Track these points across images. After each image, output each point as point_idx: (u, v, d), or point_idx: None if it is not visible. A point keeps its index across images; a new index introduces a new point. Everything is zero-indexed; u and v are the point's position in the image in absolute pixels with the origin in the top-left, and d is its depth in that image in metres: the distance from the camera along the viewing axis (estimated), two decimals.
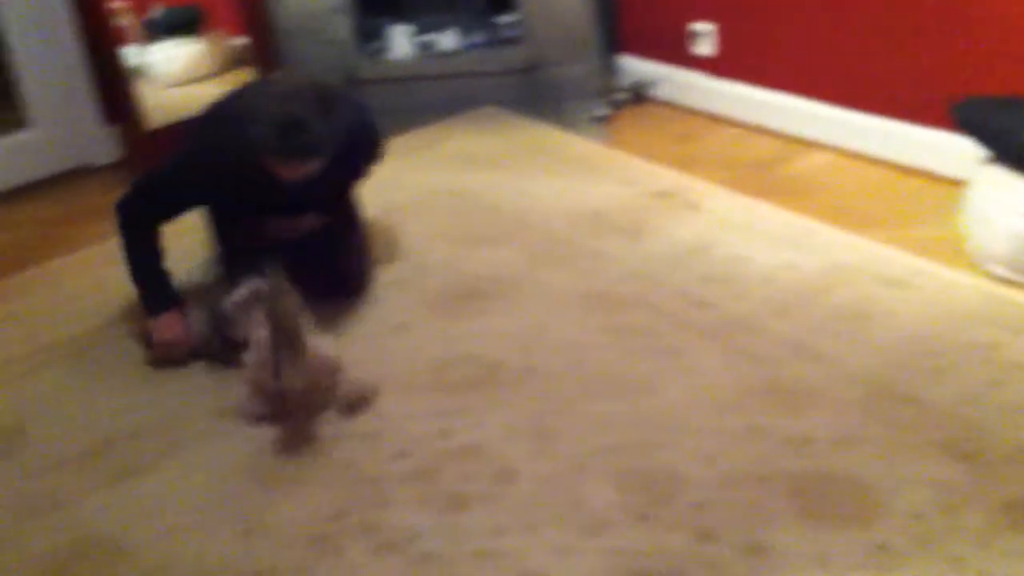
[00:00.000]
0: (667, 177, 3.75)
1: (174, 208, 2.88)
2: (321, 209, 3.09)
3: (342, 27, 4.57)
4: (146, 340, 2.85)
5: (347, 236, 3.14)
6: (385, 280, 3.17)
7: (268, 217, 3.03)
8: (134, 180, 2.94)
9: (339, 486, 2.31)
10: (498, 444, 2.41)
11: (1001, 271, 2.91)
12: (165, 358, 2.82)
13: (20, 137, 4.15)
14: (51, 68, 4.11)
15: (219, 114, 2.93)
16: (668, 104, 4.57)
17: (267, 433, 2.52)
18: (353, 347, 2.84)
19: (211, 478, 2.38)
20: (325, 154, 2.68)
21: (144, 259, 2.86)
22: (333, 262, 3.07)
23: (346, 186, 3.17)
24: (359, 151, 3.04)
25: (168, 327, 2.82)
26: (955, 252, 3.06)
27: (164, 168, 2.88)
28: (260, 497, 2.30)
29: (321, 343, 2.58)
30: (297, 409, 2.55)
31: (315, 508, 2.25)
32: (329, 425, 2.53)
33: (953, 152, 3.43)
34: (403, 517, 2.19)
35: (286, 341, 2.43)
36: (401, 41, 4.70)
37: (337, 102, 2.73)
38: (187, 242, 3.21)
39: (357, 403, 2.58)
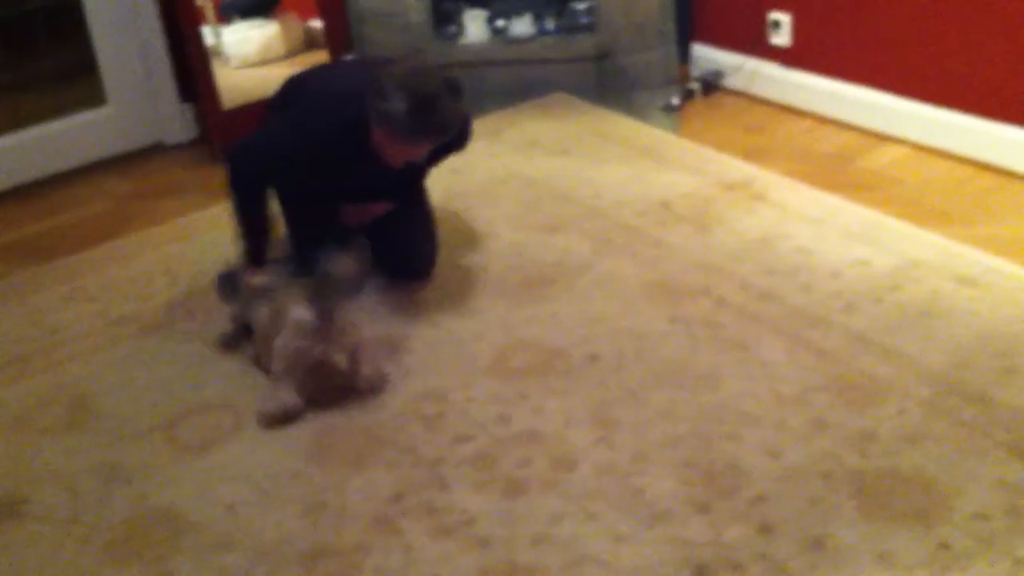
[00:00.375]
0: (737, 168, 3.72)
1: (285, 174, 2.87)
2: (398, 193, 3.11)
3: (417, 11, 4.58)
4: (228, 283, 2.83)
5: (415, 221, 3.15)
6: (451, 265, 3.18)
7: (341, 204, 3.06)
8: (247, 139, 2.90)
9: (399, 468, 2.33)
10: (558, 431, 2.41)
11: None
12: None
13: (97, 113, 4.22)
14: (130, 46, 4.17)
15: (330, 89, 2.90)
16: (740, 94, 4.52)
17: (330, 414, 2.54)
18: (418, 330, 2.86)
19: (274, 455, 2.42)
20: (448, 136, 2.71)
21: (255, 217, 2.84)
22: (401, 246, 3.09)
23: (427, 170, 3.19)
24: (454, 141, 2.98)
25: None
26: None
27: (281, 132, 2.86)
28: (322, 476, 2.33)
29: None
30: (327, 387, 2.58)
31: (375, 489, 2.27)
32: (390, 408, 2.54)
33: None
34: (461, 501, 2.21)
35: (329, 315, 2.48)
36: (475, 26, 4.70)
37: (462, 90, 2.72)
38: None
39: (381, 383, 2.62)
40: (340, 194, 3.05)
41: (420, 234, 3.16)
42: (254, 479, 2.34)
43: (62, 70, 4.13)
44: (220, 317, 2.92)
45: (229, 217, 2.84)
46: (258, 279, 2.71)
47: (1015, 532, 2.00)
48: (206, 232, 3.51)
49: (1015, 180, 3.46)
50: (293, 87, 3.02)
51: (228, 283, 2.80)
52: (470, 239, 3.34)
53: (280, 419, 2.52)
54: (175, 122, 4.34)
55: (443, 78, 2.65)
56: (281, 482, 2.33)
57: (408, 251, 3.11)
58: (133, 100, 4.26)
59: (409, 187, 3.17)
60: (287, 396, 2.52)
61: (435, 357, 2.73)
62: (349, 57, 4.51)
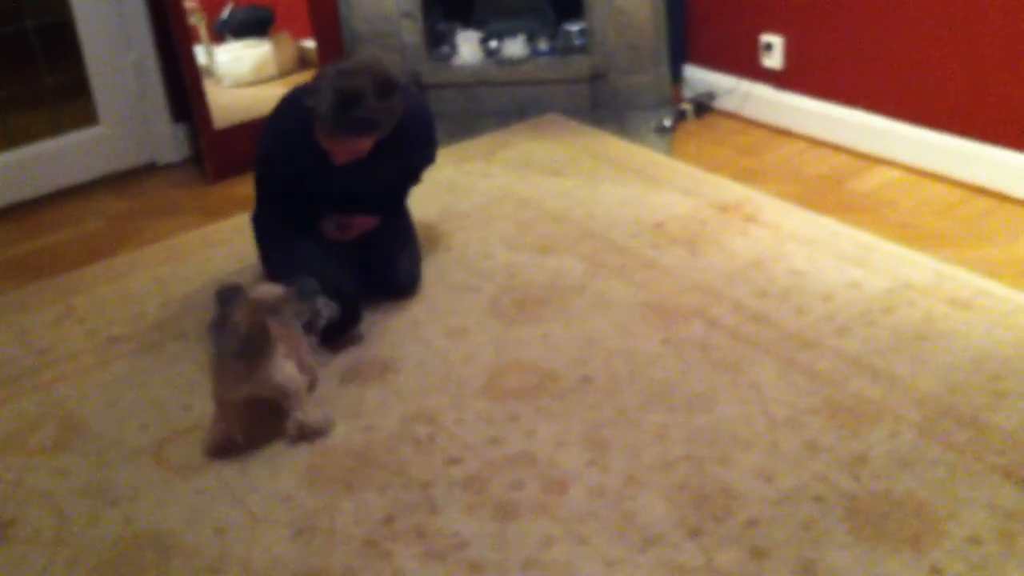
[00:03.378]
0: (730, 190, 3.72)
1: (282, 184, 2.99)
2: (374, 207, 3.12)
3: (411, 32, 4.59)
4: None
5: (394, 234, 3.17)
6: (443, 285, 3.18)
7: (321, 217, 3.07)
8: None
9: (390, 491, 2.32)
10: (550, 453, 2.40)
11: None
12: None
13: (90, 133, 4.21)
14: (123, 65, 4.17)
15: (294, 93, 2.96)
16: (733, 116, 4.53)
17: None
18: (410, 351, 2.85)
19: (265, 478, 2.40)
20: (374, 132, 2.73)
21: (282, 255, 3.00)
22: (381, 260, 3.10)
23: (397, 185, 3.20)
24: (412, 143, 3.05)
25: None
26: (1022, 274, 3.00)
27: (257, 154, 3.03)
28: (312, 499, 2.32)
29: (286, 366, 2.50)
30: (232, 426, 2.51)
31: (365, 512, 2.26)
32: (381, 430, 2.53)
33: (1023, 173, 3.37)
34: (452, 524, 2.20)
35: (248, 350, 2.40)
36: (468, 47, 4.72)
37: (397, 88, 2.76)
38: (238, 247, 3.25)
39: (309, 434, 2.53)
40: (316, 201, 3.07)
41: (399, 247, 3.16)
42: (244, 502, 2.33)
43: (55, 89, 4.12)
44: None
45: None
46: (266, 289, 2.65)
47: (1007, 556, 1.99)
48: (199, 252, 3.50)
49: (1007, 203, 3.47)
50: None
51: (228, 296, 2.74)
52: (463, 259, 3.33)
53: (218, 448, 2.50)
54: (168, 142, 4.34)
55: (378, 77, 2.68)
56: (271, 505, 2.31)
57: (389, 265, 3.11)
58: (126, 119, 4.26)
59: (387, 200, 3.19)
60: (225, 428, 2.51)
61: (426, 378, 2.72)
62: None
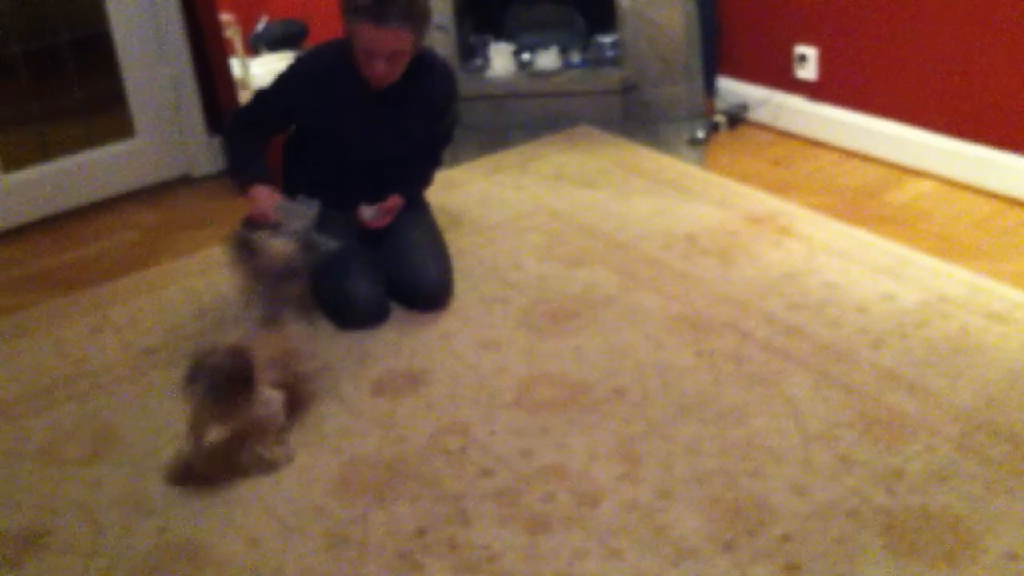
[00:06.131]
0: (763, 201, 3.70)
1: (275, 111, 3.14)
2: (399, 176, 3.19)
3: (443, 44, 4.60)
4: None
5: (428, 247, 3.20)
6: (475, 296, 3.18)
7: (352, 199, 3.11)
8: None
9: (422, 502, 2.32)
10: (582, 466, 2.39)
11: None
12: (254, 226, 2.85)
13: (126, 145, 4.25)
14: (159, 78, 4.21)
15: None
16: (766, 127, 4.51)
17: (356, 446, 2.54)
18: (441, 363, 2.85)
19: (297, 489, 2.41)
20: (412, 26, 2.87)
21: (242, 146, 3.13)
22: (414, 271, 3.12)
23: (422, 151, 3.25)
24: (439, 96, 3.19)
25: (263, 198, 2.95)
26: None
27: (270, 84, 3.17)
28: (344, 510, 2.32)
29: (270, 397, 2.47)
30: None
31: (398, 524, 2.26)
32: (413, 441, 2.53)
33: None
34: (484, 537, 2.19)
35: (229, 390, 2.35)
36: (501, 59, 4.73)
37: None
38: None
39: (265, 468, 2.49)
40: (339, 157, 3.15)
41: (429, 255, 3.18)
42: (277, 513, 2.34)
43: (90, 102, 4.16)
44: None
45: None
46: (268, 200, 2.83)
47: None
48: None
49: None
50: None
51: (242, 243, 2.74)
52: (495, 271, 3.34)
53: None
54: (203, 154, 4.37)
55: None
56: (304, 516, 2.32)
57: (420, 272, 3.12)
58: (162, 132, 4.29)
59: (414, 169, 3.27)
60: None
61: (458, 390, 2.73)
62: None
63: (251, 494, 2.40)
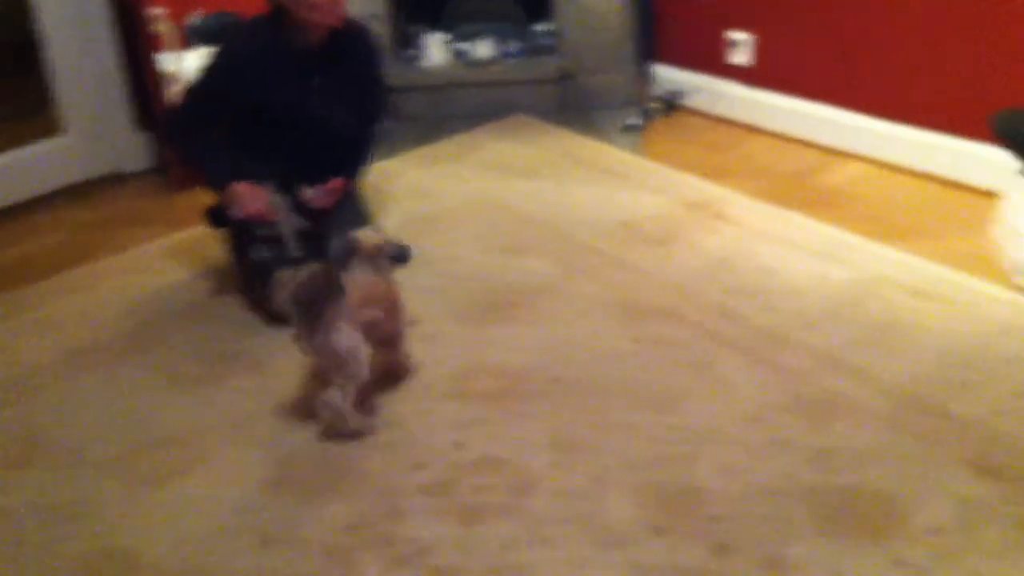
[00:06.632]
0: (699, 187, 3.71)
1: (218, 102, 3.04)
2: (335, 154, 3.16)
3: (379, 34, 4.57)
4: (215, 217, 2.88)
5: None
6: (413, 288, 3.15)
7: (292, 180, 3.07)
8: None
9: (356, 497, 2.29)
10: (517, 456, 2.38)
11: None
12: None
13: (54, 143, 4.17)
14: (87, 74, 4.13)
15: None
16: (702, 114, 4.53)
17: (288, 443, 2.51)
18: (376, 356, 2.82)
19: (230, 489, 2.37)
20: None
21: (206, 147, 3.04)
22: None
23: (356, 123, 3.21)
24: (366, 62, 3.20)
25: (251, 196, 2.92)
26: (988, 265, 3.01)
27: (200, 74, 3.10)
28: (277, 508, 2.29)
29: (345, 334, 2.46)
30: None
31: (331, 519, 2.23)
32: (347, 437, 2.51)
33: (989, 164, 3.37)
34: (417, 530, 2.17)
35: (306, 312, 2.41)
36: (436, 49, 4.70)
37: None
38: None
39: (338, 424, 2.50)
40: (279, 134, 3.09)
41: None
42: (210, 513, 2.30)
43: (18, 99, 4.08)
44: (180, 347, 2.91)
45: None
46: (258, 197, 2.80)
47: (971, 546, 2.00)
48: (165, 261, 3.47)
49: (974, 194, 3.48)
50: None
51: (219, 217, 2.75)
52: (432, 262, 3.31)
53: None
54: (132, 151, 4.30)
55: None
56: (237, 515, 2.28)
57: None
58: (90, 129, 4.21)
59: (351, 146, 3.23)
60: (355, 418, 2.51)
61: (395, 383, 2.71)
62: None
63: (184, 495, 2.36)
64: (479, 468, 2.35)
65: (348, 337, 2.43)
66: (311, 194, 3.06)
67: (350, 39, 3.12)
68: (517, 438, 2.44)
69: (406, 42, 4.81)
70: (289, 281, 2.38)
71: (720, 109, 4.47)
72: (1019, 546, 1.99)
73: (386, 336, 2.63)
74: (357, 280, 2.52)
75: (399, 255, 2.82)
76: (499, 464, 2.36)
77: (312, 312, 2.40)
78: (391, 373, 2.70)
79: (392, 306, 2.63)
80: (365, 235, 2.63)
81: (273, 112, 3.04)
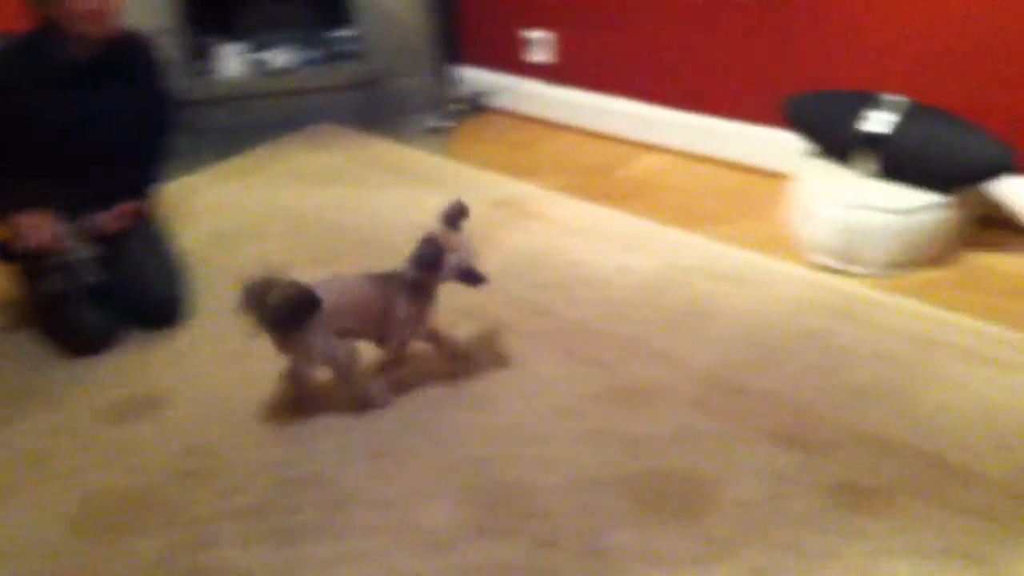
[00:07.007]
0: (506, 186, 3.72)
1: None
2: (120, 169, 3.03)
3: (170, 47, 4.42)
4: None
5: (153, 260, 3.06)
6: (214, 309, 3.06)
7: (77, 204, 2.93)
8: None
9: (165, 530, 2.19)
10: (332, 470, 2.33)
11: (826, 260, 2.96)
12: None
13: None
14: None
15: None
16: (507, 113, 4.56)
17: (91, 479, 2.38)
18: (180, 382, 2.72)
19: (32, 529, 2.24)
20: None
21: None
22: (139, 284, 2.98)
23: (138, 120, 3.08)
24: (139, 55, 3.08)
25: (35, 226, 2.79)
26: (784, 244, 3.11)
27: None
28: (83, 547, 2.17)
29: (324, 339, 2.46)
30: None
31: (139, 555, 2.13)
32: (155, 469, 2.40)
33: (782, 148, 3.48)
34: (233, 557, 2.10)
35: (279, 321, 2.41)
36: (232, 60, 4.58)
37: None
38: None
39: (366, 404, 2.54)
40: (59, 155, 2.93)
41: (153, 271, 3.04)
42: (9, 556, 2.16)
43: None
44: None
45: None
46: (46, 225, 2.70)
47: (778, 516, 2.06)
48: None
49: (768, 178, 3.59)
50: None
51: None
52: (236, 281, 3.20)
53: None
54: None
55: None
56: (39, 557, 2.15)
57: (146, 292, 2.99)
58: None
59: (134, 158, 3.10)
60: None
61: (201, 409, 2.60)
62: None
63: None
64: (295, 488, 2.28)
65: (325, 347, 2.45)
66: (100, 220, 2.93)
67: (129, 51, 3.00)
68: (331, 452, 2.39)
69: (201, 54, 4.67)
70: (259, 305, 2.38)
71: (524, 108, 4.50)
72: (824, 513, 2.05)
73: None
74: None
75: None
76: (315, 481, 2.29)
77: (289, 331, 2.41)
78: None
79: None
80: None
81: (44, 131, 2.89)
